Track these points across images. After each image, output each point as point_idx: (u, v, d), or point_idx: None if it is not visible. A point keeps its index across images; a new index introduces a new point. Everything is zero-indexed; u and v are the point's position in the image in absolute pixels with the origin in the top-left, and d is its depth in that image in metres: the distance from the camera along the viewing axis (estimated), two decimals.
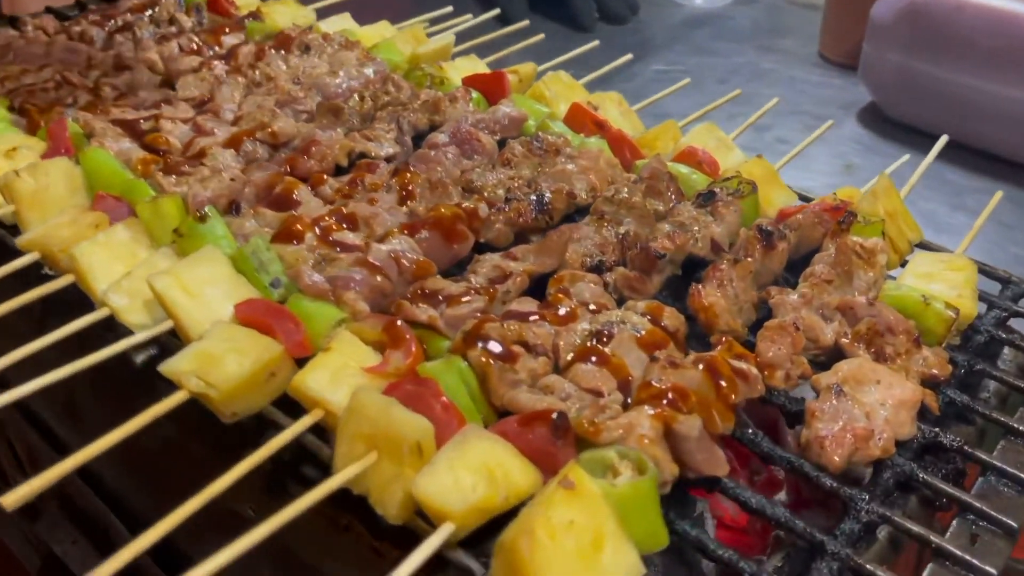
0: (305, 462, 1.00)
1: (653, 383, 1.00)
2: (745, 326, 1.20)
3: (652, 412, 0.95)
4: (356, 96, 1.60)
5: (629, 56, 2.12)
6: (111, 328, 1.13)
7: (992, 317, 1.29)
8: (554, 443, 0.90)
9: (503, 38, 2.13)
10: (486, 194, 1.41)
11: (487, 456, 0.88)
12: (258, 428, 1.03)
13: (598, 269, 1.25)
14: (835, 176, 2.56)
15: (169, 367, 1.00)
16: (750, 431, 1.06)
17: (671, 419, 0.95)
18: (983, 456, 1.06)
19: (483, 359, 1.01)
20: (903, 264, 1.39)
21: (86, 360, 1.03)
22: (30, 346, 1.07)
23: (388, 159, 1.52)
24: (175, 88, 1.76)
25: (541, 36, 2.12)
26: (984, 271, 1.35)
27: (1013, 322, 1.32)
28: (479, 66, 1.87)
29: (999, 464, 1.05)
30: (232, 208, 1.26)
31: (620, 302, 1.23)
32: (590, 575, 0.80)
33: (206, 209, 1.22)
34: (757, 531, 1.20)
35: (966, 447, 1.07)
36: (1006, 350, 1.28)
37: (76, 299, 1.19)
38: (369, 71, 1.72)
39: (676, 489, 0.96)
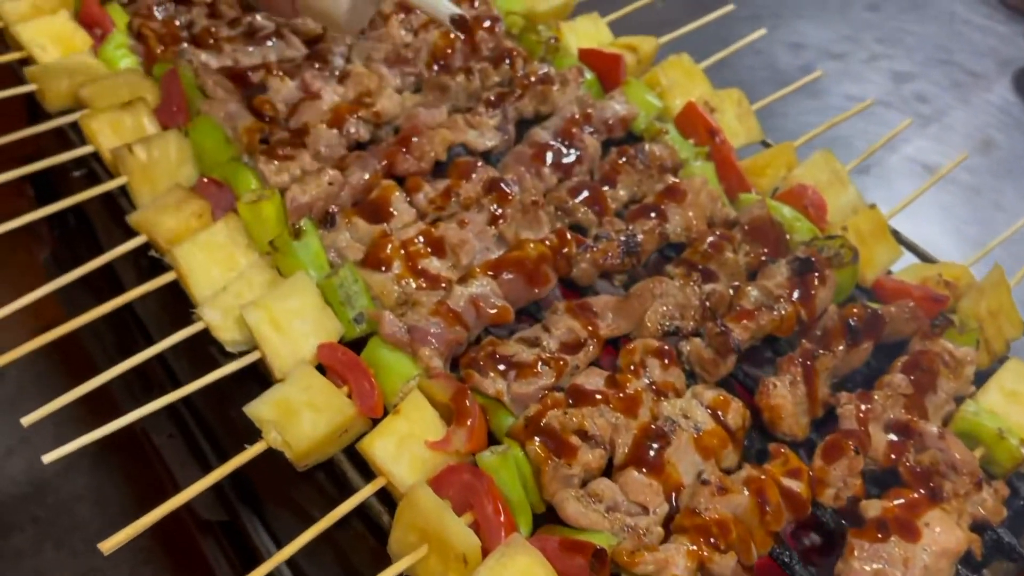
0: (366, 524, 1.09)
1: (699, 511, 1.03)
2: (808, 425, 1.20)
3: (689, 549, 0.99)
4: (464, 75, 1.55)
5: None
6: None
7: None
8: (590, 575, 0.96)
9: None
10: (578, 215, 1.40)
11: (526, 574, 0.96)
12: (328, 479, 1.12)
13: (674, 335, 1.25)
14: (969, 153, 2.37)
15: (253, 410, 1.09)
16: (786, 554, 1.10)
17: (707, 559, 0.99)
18: None
19: (540, 453, 1.06)
20: (1002, 360, 1.33)
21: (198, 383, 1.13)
22: (141, 356, 1.17)
23: (488, 152, 1.50)
24: None
25: None
26: None
27: None
28: (600, 29, 1.76)
29: None
30: (327, 220, 1.29)
31: (689, 374, 1.24)
32: None
33: (302, 223, 1.26)
34: None
35: None
36: None
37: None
38: (483, 35, 1.65)
39: None
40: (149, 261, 1.33)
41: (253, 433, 1.10)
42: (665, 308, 1.27)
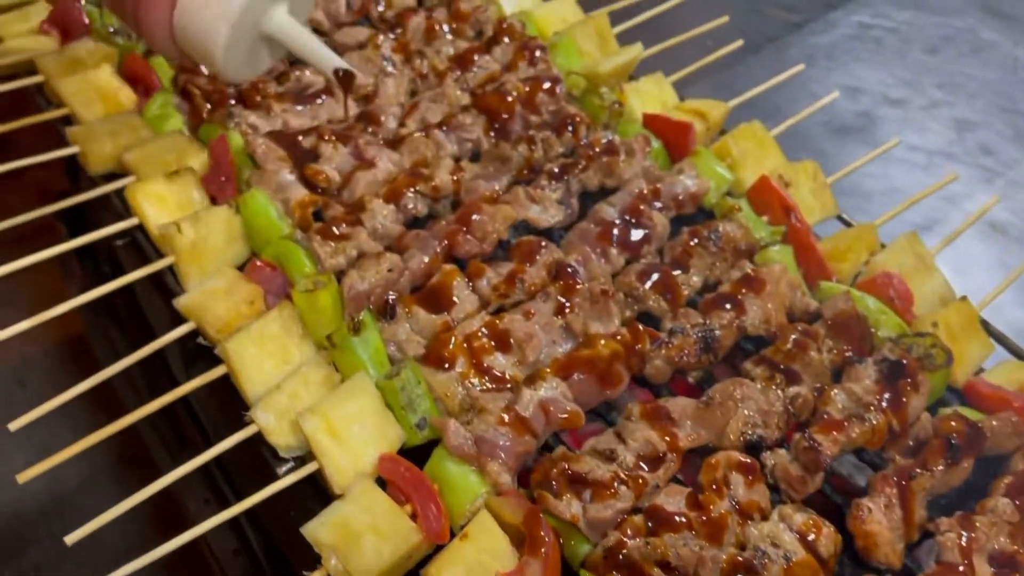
0: None
1: None
2: (904, 552, 1.11)
3: None
4: (526, 145, 1.47)
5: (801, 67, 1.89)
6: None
7: None
8: None
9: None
10: (649, 303, 1.31)
11: None
12: None
13: (757, 447, 1.17)
14: None
15: (311, 532, 1.01)
16: None
17: None
18: None
19: None
20: None
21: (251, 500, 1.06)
22: (196, 460, 1.10)
23: (551, 229, 1.42)
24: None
25: (740, 43, 1.88)
26: None
27: None
28: (665, 90, 1.68)
29: None
30: (387, 311, 1.21)
31: (773, 488, 1.16)
32: None
33: (361, 316, 1.18)
34: None
35: None
36: None
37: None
38: (543, 97, 1.57)
39: None
40: (196, 346, 1.26)
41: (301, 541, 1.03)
42: (747, 414, 1.18)
